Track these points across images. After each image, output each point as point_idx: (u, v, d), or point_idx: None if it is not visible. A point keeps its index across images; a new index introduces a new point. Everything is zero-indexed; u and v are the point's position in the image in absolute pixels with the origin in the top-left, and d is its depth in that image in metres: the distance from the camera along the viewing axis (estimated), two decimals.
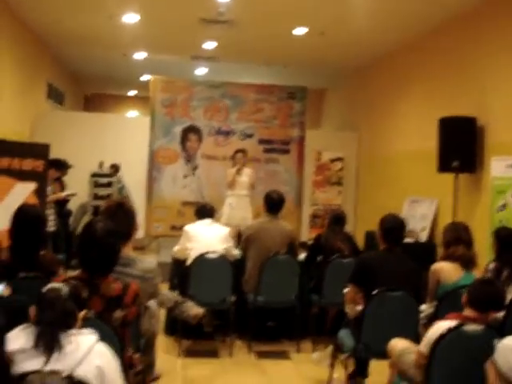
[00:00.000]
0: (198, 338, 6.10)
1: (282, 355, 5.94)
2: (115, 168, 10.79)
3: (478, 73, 7.70)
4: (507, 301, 4.32)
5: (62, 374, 2.24)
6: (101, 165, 10.75)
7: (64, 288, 2.47)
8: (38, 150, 7.17)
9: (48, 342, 2.29)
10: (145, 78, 14.34)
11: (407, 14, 8.33)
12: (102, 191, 10.07)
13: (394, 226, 4.55)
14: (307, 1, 8.15)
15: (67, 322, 2.38)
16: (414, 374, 3.48)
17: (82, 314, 2.53)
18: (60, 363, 2.26)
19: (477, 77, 7.72)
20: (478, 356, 2.89)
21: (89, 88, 17.40)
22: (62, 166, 9.31)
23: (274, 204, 6.17)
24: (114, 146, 11.44)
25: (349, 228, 7.67)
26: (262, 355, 5.87)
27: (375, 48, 10.52)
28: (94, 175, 10.25)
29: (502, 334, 2.94)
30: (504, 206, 6.79)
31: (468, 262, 4.54)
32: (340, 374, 4.83)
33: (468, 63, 7.96)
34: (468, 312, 3.34)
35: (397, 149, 10.27)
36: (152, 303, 4.09)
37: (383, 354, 4.02)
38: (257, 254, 5.93)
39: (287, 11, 8.69)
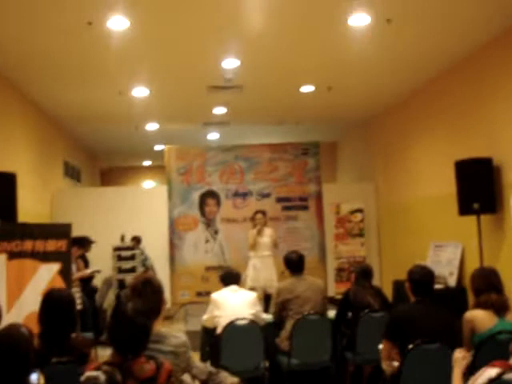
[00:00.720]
0: None
1: None
2: (137, 240, 10.85)
3: (488, 113, 7.73)
4: None
5: None
6: (122, 238, 10.82)
7: (101, 376, 2.46)
8: (60, 230, 7.23)
9: None
10: (158, 147, 14.55)
11: (414, 60, 8.43)
12: (126, 264, 10.09)
13: (422, 278, 4.52)
14: (312, 59, 8.29)
15: None
16: None
17: None
18: None
19: (487, 117, 7.76)
20: None
21: (104, 162, 17.65)
22: (84, 243, 9.39)
23: (295, 264, 6.19)
24: (134, 217, 11.52)
25: (375, 279, 7.60)
26: None
27: (384, 97, 10.63)
28: (117, 249, 10.30)
29: None
30: None
31: (501, 308, 4.47)
32: None
33: (477, 104, 8.00)
34: None
35: (415, 195, 10.25)
36: (186, 377, 4.06)
37: None
38: (294, 313, 5.89)
39: (293, 70, 8.83)
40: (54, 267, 6.97)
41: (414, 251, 9.81)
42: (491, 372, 3.20)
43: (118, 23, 6.60)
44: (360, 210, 11.99)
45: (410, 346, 4.14)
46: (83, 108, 10.51)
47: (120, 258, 10.14)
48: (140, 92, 9.50)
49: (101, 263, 10.04)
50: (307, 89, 9.76)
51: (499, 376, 3.14)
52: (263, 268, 8.68)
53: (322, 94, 10.05)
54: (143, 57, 7.94)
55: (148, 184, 18.84)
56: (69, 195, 11.79)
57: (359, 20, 6.82)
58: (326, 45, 7.71)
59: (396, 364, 4.31)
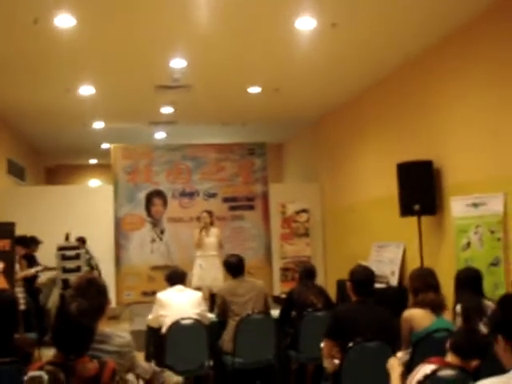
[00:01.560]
0: None
1: None
2: (82, 241, 10.73)
3: (430, 117, 7.94)
4: None
5: None
6: (67, 237, 10.69)
7: (44, 376, 2.48)
8: (4, 229, 7.18)
9: None
10: (105, 146, 14.43)
11: (358, 64, 8.60)
12: (70, 264, 9.96)
13: (363, 278, 4.64)
14: (259, 60, 8.36)
15: None
16: None
17: None
18: None
19: (429, 121, 7.97)
20: None
21: (49, 160, 17.38)
22: (28, 242, 9.28)
23: (235, 267, 6.26)
24: (79, 216, 11.39)
25: (319, 278, 7.72)
26: None
27: (330, 99, 10.79)
28: (61, 248, 10.18)
29: (477, 378, 2.99)
30: (468, 245, 6.93)
31: (437, 307, 4.63)
32: None
33: (420, 108, 8.21)
34: (450, 358, 3.40)
35: (359, 196, 10.45)
36: (130, 376, 4.08)
37: None
38: (235, 314, 5.95)
39: (240, 72, 8.91)
40: None
41: (357, 251, 10.00)
42: (427, 369, 3.33)
43: (64, 21, 6.54)
44: (305, 211, 12.15)
45: (350, 344, 4.25)
46: (29, 105, 10.36)
47: (64, 258, 10.00)
48: (87, 90, 9.42)
49: (45, 263, 9.92)
50: (254, 90, 9.84)
51: (434, 372, 3.27)
52: (209, 267, 8.73)
53: (268, 96, 10.15)
54: (90, 55, 7.88)
55: (94, 183, 18.64)
56: (12, 194, 11.59)
57: (305, 23, 6.92)
58: (273, 47, 7.80)
59: (337, 362, 4.42)
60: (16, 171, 12.85)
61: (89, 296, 3.63)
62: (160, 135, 13.96)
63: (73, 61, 8.03)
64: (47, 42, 7.19)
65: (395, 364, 3.67)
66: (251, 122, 12.64)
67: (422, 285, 4.75)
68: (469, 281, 5.06)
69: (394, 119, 9.04)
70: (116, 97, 10.21)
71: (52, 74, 8.60)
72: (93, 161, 18.40)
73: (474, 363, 3.40)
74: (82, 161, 18.24)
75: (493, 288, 6.12)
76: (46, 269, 9.88)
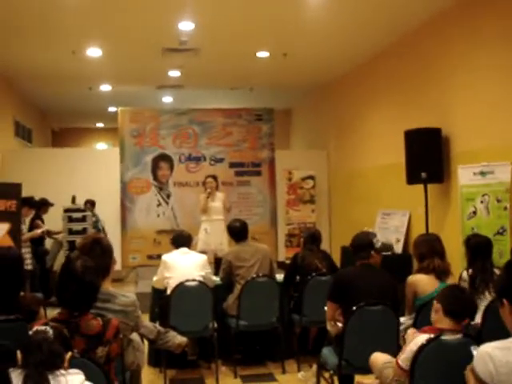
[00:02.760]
0: (183, 367, 6.09)
1: (268, 377, 5.95)
2: (91, 203, 10.75)
3: (439, 85, 7.87)
4: (482, 307, 4.44)
5: None
6: (73, 199, 10.72)
7: (49, 330, 2.49)
8: (10, 190, 7.16)
9: None
10: (112, 109, 14.39)
11: (369, 29, 8.50)
12: (77, 226, 10.01)
13: (363, 243, 4.67)
14: (268, 23, 8.28)
15: (55, 363, 2.40)
16: None
17: (68, 354, 2.55)
18: None
19: (438, 89, 7.89)
20: (457, 365, 2.94)
21: (56, 123, 17.38)
22: (34, 203, 9.31)
23: (239, 232, 6.28)
24: (86, 179, 11.39)
25: (324, 245, 7.75)
26: (248, 379, 5.88)
27: (338, 65, 10.70)
28: (67, 210, 10.21)
29: (480, 342, 3.00)
30: (474, 213, 6.92)
31: (442, 273, 4.63)
32: None
33: (429, 76, 8.13)
34: (444, 323, 3.40)
35: (366, 164, 10.41)
36: (135, 336, 4.11)
37: (366, 369, 4.08)
38: (242, 278, 5.98)
39: (248, 35, 8.81)
40: (4, 227, 6.93)
41: (362, 218, 10.00)
42: (421, 338, 3.34)
43: None
44: (312, 177, 12.13)
45: (354, 308, 4.27)
46: (36, 67, 10.31)
47: (71, 220, 10.04)
48: (94, 52, 9.35)
49: (52, 225, 9.98)
50: (262, 54, 9.76)
51: (429, 342, 3.28)
52: (214, 232, 8.74)
53: (277, 61, 10.07)
54: (97, 17, 7.81)
55: (101, 146, 18.63)
56: (19, 155, 11.58)
57: None
58: (281, 10, 7.70)
59: (340, 325, 4.45)
60: (23, 133, 12.85)
61: (94, 255, 3.64)
62: (167, 99, 13.90)
63: (80, 22, 7.97)
64: (54, 2, 7.12)
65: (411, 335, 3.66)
66: (259, 87, 12.57)
67: (428, 250, 4.75)
68: (480, 247, 5.05)
69: (403, 86, 8.95)
70: (123, 59, 10.13)
71: (59, 35, 8.54)
72: (99, 124, 18.38)
73: (465, 322, 3.43)
74: (89, 124, 18.22)
75: (498, 256, 6.11)
76: (50, 233, 9.94)
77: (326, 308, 4.67)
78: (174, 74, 11.04)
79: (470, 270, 4.88)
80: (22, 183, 7.21)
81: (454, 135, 7.53)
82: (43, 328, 2.53)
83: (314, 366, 5.23)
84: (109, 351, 3.09)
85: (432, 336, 3.31)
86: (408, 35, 8.67)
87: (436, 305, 3.47)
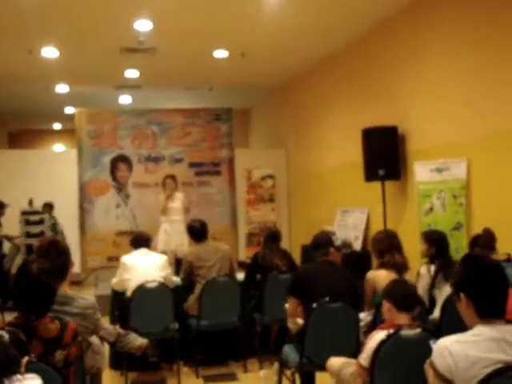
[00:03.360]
0: (144, 369, 6.05)
1: (230, 377, 5.95)
2: (49, 206, 10.59)
3: (395, 82, 7.97)
4: (441, 302, 4.51)
5: None
6: (30, 202, 10.57)
7: (5, 334, 2.45)
8: None
9: None
10: (69, 110, 14.20)
11: (324, 30, 8.57)
12: (34, 229, 9.87)
13: (321, 241, 4.72)
14: (225, 23, 8.26)
15: (11, 369, 2.36)
16: None
17: (24, 359, 2.51)
18: None
19: (394, 86, 7.99)
20: (417, 360, 2.97)
21: (12, 124, 17.08)
22: None
23: (198, 232, 6.26)
24: (43, 181, 11.25)
25: (284, 243, 7.78)
26: (210, 379, 5.86)
27: (296, 65, 10.74)
28: (25, 213, 10.05)
29: (439, 336, 3.04)
30: (431, 209, 7.03)
31: (402, 268, 4.69)
32: None
33: (385, 73, 8.22)
34: (400, 319, 3.43)
35: (324, 162, 10.47)
36: (94, 339, 4.06)
37: None
38: (202, 278, 5.96)
39: (206, 35, 8.78)
40: None
41: (322, 216, 10.06)
42: (381, 335, 3.37)
43: None
44: (271, 176, 12.17)
45: (314, 305, 4.29)
46: None
47: (28, 223, 9.91)
48: (50, 52, 9.21)
49: (9, 228, 9.82)
50: (220, 54, 9.74)
51: (388, 337, 3.31)
52: (174, 233, 8.71)
53: (235, 60, 10.06)
54: (54, 16, 7.69)
55: (58, 148, 18.37)
56: None
57: None
58: (239, 9, 7.70)
59: (301, 322, 4.47)
60: None
61: (50, 257, 3.59)
62: (125, 99, 13.77)
63: (36, 21, 7.83)
64: (9, 1, 6.99)
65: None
66: (217, 87, 12.54)
67: (388, 246, 4.79)
68: (444, 242, 5.13)
69: (360, 85, 9.04)
70: (80, 59, 9.99)
71: (14, 35, 8.37)
72: (57, 125, 18.11)
73: (416, 311, 3.48)
74: (46, 125, 17.95)
75: (455, 251, 6.21)
76: (7, 237, 9.77)
77: (286, 305, 4.69)
78: (132, 74, 10.94)
79: (436, 264, 4.94)
80: None
81: (411, 133, 7.63)
82: None
83: (276, 364, 5.24)
84: (67, 355, 3.04)
85: (391, 331, 3.34)
86: (363, 36, 8.76)
87: (386, 304, 3.50)
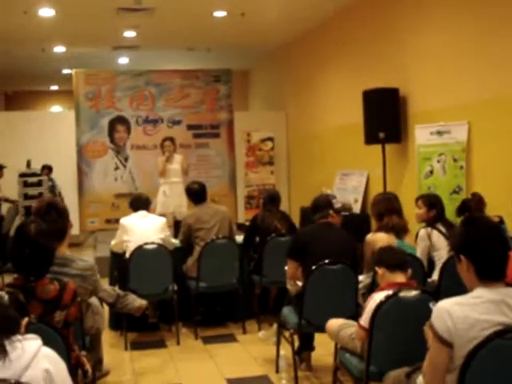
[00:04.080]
0: (143, 330, 6.08)
1: (229, 338, 5.98)
2: (48, 168, 10.55)
3: (397, 44, 7.87)
4: (440, 264, 4.52)
5: (9, 381, 2.22)
6: (28, 164, 10.52)
7: (5, 296, 2.44)
8: None
9: None
10: (66, 71, 14.05)
11: None
12: (33, 190, 9.84)
13: (320, 204, 4.70)
14: None
15: (11, 329, 2.35)
16: (353, 346, 3.57)
17: (24, 320, 2.50)
18: (6, 370, 2.23)
19: (396, 48, 7.90)
20: (416, 321, 2.98)
21: (9, 86, 16.94)
22: None
23: (198, 194, 6.23)
24: (40, 143, 11.19)
25: (283, 206, 7.77)
26: (209, 340, 5.89)
27: (296, 25, 10.59)
28: (23, 175, 10.02)
29: (438, 298, 3.05)
30: (431, 172, 7.00)
31: (401, 231, 4.69)
32: (287, 350, 4.91)
33: (387, 35, 8.12)
34: (396, 278, 3.45)
35: (324, 124, 10.41)
36: (94, 300, 4.08)
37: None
38: (201, 240, 5.96)
39: None
40: None
41: (321, 179, 10.04)
42: (380, 295, 3.38)
43: None
44: (271, 139, 12.11)
45: (314, 267, 4.29)
46: None
47: (26, 184, 9.87)
48: (46, 12, 9.06)
49: (7, 190, 9.79)
50: (220, 14, 9.60)
51: (387, 298, 3.32)
52: (173, 195, 8.68)
53: (234, 20, 9.92)
54: None
55: (56, 109, 18.25)
56: None
57: None
58: None
59: (300, 284, 4.48)
60: None
61: (49, 219, 3.58)
62: (123, 60, 13.63)
63: None
64: None
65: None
66: (217, 48, 12.40)
67: (387, 208, 4.78)
68: (442, 205, 5.12)
69: (361, 46, 8.93)
70: (77, 20, 9.83)
71: None
72: (54, 87, 17.98)
73: (410, 272, 3.52)
74: (43, 87, 17.82)
75: (453, 215, 6.21)
76: (6, 199, 9.75)
77: (286, 267, 4.69)
78: (130, 34, 10.81)
79: (443, 226, 4.92)
80: None
81: (412, 95, 7.56)
82: None
83: (275, 326, 5.27)
84: (67, 315, 3.05)
85: (390, 293, 3.34)
86: None
87: (379, 270, 3.54)
